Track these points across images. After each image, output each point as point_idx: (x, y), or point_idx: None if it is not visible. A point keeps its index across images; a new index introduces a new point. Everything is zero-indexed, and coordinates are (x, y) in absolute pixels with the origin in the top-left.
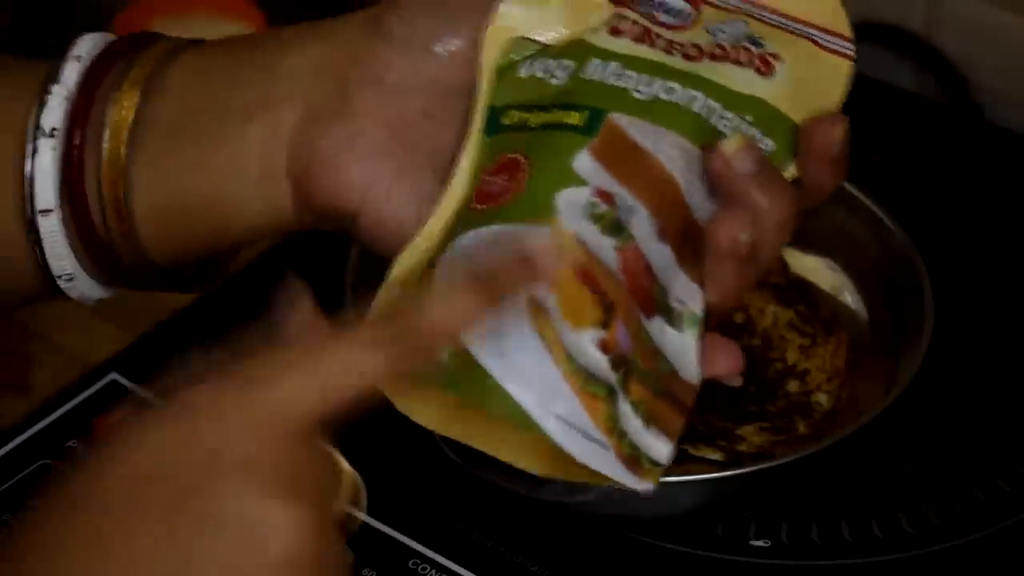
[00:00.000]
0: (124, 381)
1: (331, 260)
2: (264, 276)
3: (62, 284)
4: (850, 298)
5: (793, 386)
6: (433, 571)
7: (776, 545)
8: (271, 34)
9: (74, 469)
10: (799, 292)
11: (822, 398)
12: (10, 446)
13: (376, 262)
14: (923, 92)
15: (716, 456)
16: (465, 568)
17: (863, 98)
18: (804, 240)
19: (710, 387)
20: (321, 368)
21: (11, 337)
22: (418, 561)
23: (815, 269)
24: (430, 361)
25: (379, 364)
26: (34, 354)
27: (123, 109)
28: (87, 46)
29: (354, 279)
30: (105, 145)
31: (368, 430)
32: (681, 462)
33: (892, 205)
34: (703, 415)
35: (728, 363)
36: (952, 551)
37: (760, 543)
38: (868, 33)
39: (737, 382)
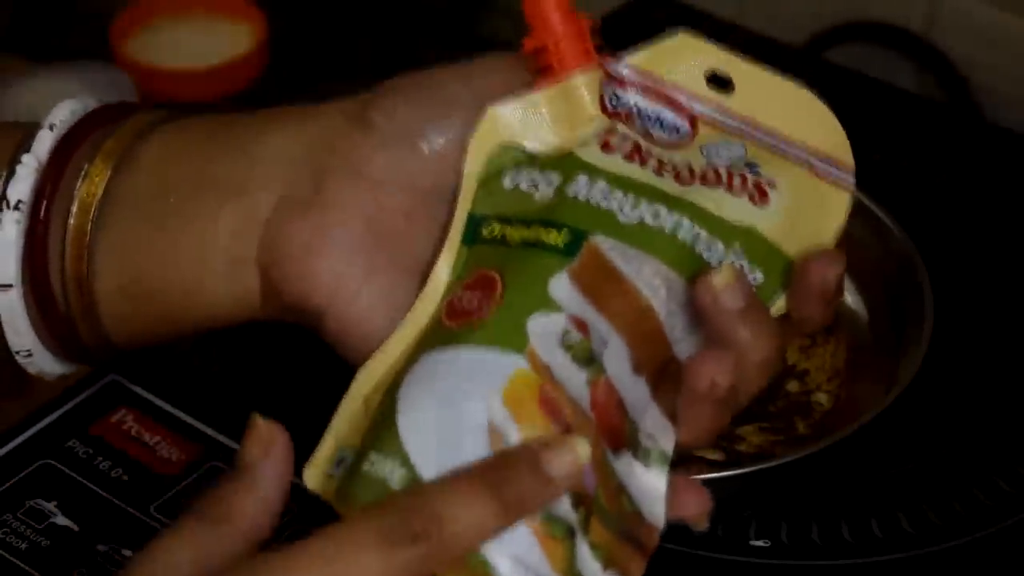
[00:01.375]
0: (124, 381)
1: None
2: None
3: (20, 360)
4: (850, 298)
5: (793, 386)
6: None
7: (776, 545)
8: (252, 116)
9: None
10: None
11: (822, 398)
12: (10, 446)
13: None
14: (923, 92)
15: (716, 456)
16: None
17: (863, 98)
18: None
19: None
20: (329, 574)
21: None
22: None
23: None
24: (441, 572)
25: (388, 569)
26: None
27: (93, 184)
28: (63, 114)
29: None
30: (71, 221)
31: None
32: (681, 462)
33: (892, 205)
34: None
35: (696, 506)
36: (952, 551)
37: (760, 543)
38: (868, 33)
39: (703, 527)
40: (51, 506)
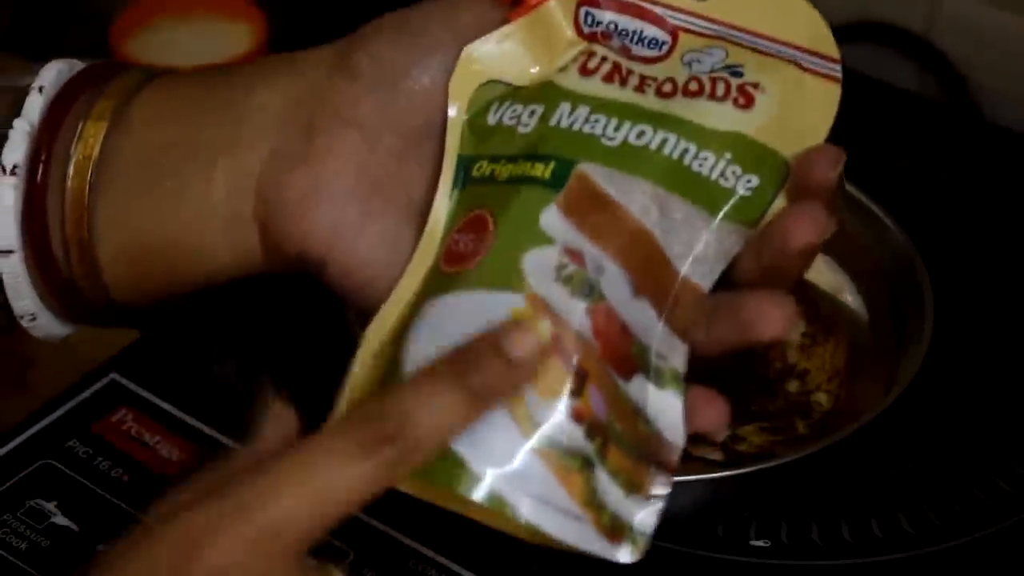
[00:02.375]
0: (124, 381)
1: None
2: (264, 278)
3: (24, 324)
4: (850, 298)
5: (793, 386)
6: (433, 571)
7: (776, 545)
8: (240, 70)
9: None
10: (799, 292)
11: (822, 398)
12: (10, 446)
13: None
14: (923, 92)
15: (716, 456)
16: (465, 568)
17: (863, 98)
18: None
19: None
20: (311, 485)
21: (10, 337)
22: (418, 561)
23: (815, 269)
24: (418, 466)
25: (368, 475)
26: (33, 354)
27: (88, 145)
28: (51, 76)
29: None
30: (69, 183)
31: None
32: (681, 462)
33: (892, 205)
34: None
35: (714, 417)
36: (952, 551)
37: (760, 543)
38: (868, 33)
39: (722, 435)
40: (51, 506)
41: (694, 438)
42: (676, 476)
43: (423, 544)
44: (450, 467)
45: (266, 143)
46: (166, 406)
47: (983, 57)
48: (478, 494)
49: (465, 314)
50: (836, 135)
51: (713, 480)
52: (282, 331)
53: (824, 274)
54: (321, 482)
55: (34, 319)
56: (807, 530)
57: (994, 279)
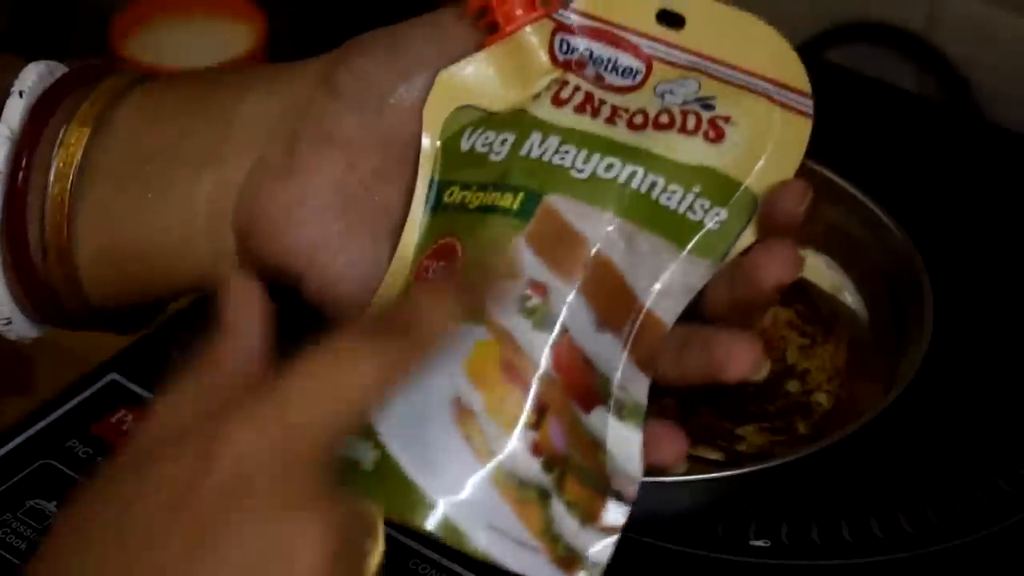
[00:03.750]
0: (124, 381)
1: None
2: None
3: None
4: (850, 298)
5: (793, 386)
6: (433, 571)
7: (776, 545)
8: (226, 78)
9: (85, 502)
10: (798, 292)
11: (822, 398)
12: (10, 446)
13: None
14: (923, 92)
15: (716, 456)
16: (465, 568)
17: (863, 98)
18: (804, 240)
19: (709, 388)
20: (330, 378)
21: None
22: (418, 561)
23: (815, 268)
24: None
25: (378, 370)
26: (34, 354)
27: (70, 150)
28: (31, 79)
29: None
30: (50, 189)
31: None
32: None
33: (892, 205)
34: (703, 415)
35: (672, 451)
36: (952, 551)
37: (760, 543)
38: (868, 33)
39: (680, 469)
40: (51, 506)
41: (694, 437)
42: (676, 477)
43: (423, 544)
44: (407, 495)
45: (251, 154)
46: None
47: (983, 57)
48: (432, 523)
49: None
50: (837, 135)
51: (713, 480)
52: (282, 331)
53: (824, 274)
54: (335, 381)
55: (8, 323)
56: (807, 530)
57: (994, 279)
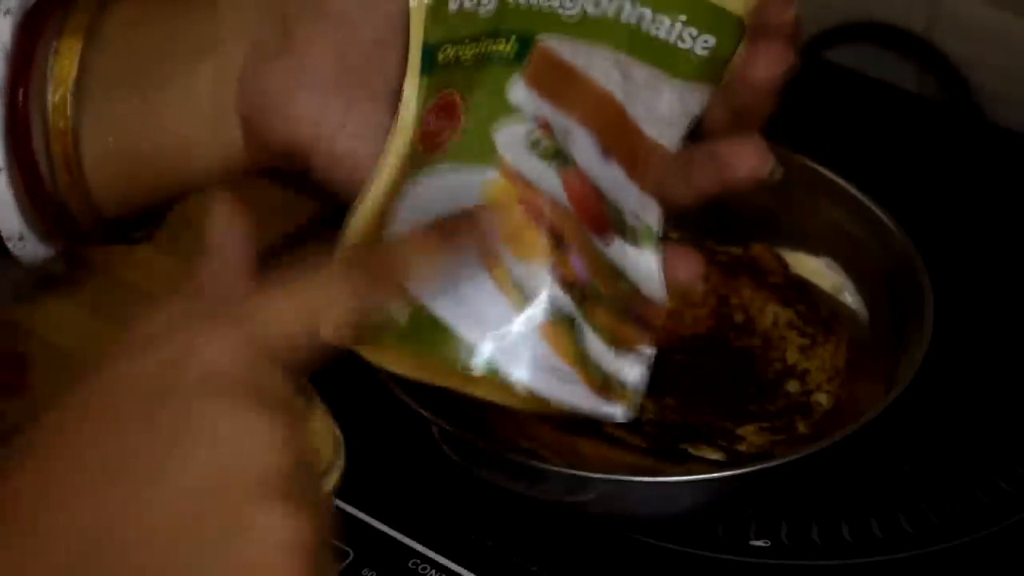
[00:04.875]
0: None
1: None
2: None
3: (12, 246)
4: (850, 298)
5: (793, 386)
6: (433, 571)
7: (776, 545)
8: None
9: (67, 397)
10: (799, 292)
11: (822, 398)
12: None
13: None
14: (923, 92)
15: (716, 456)
16: (465, 568)
17: (863, 98)
18: (804, 240)
19: (709, 388)
20: (297, 297)
21: (8, 338)
22: (418, 561)
23: (815, 269)
24: (396, 297)
25: (349, 293)
26: (32, 355)
27: (66, 60)
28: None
29: None
30: (50, 99)
31: (367, 429)
32: (681, 462)
33: (892, 205)
34: (703, 415)
35: (688, 270)
36: (952, 551)
37: (760, 543)
38: (868, 33)
39: (699, 287)
40: None
41: (694, 436)
42: (676, 476)
43: (423, 544)
44: (445, 341)
45: (245, 39)
46: None
47: (983, 57)
48: (474, 364)
49: (442, 191)
50: (837, 135)
51: (713, 480)
52: None
53: (824, 274)
54: (305, 295)
55: (22, 239)
56: (807, 530)
57: (994, 279)
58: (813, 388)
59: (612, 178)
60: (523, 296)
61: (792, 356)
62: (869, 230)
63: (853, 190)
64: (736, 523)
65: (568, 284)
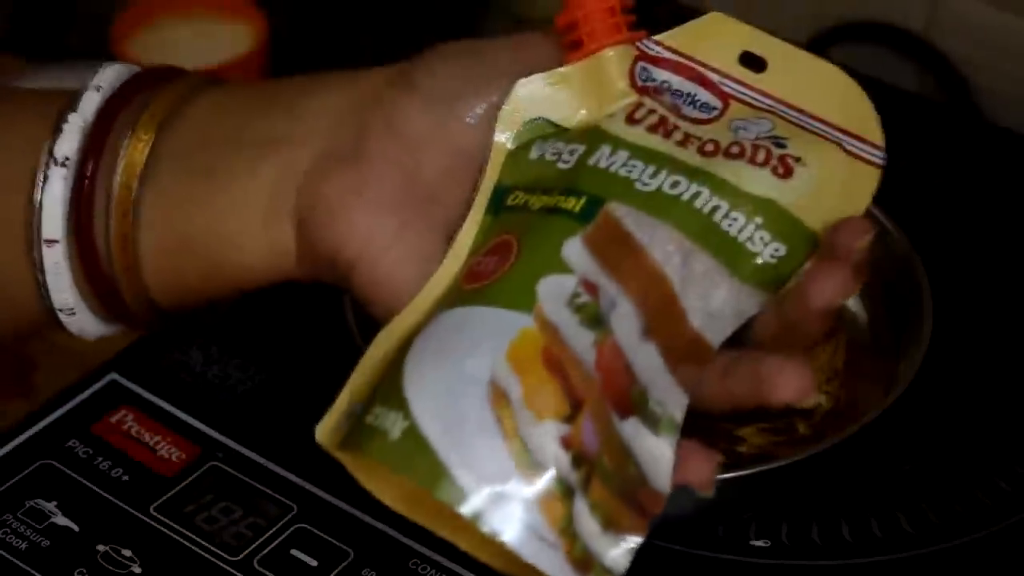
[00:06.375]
0: (124, 381)
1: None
2: None
3: (62, 317)
4: (850, 299)
5: None
6: (433, 571)
7: (776, 545)
8: (296, 78)
9: None
10: None
11: (822, 399)
12: (10, 446)
13: None
14: (923, 92)
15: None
16: (465, 568)
17: None
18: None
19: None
20: None
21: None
22: (418, 561)
23: None
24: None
25: None
26: (34, 355)
27: (139, 143)
28: (109, 77)
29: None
30: (117, 178)
31: None
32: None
33: (891, 205)
34: (703, 416)
35: (703, 471)
36: (952, 551)
37: (760, 543)
38: (868, 33)
39: (709, 492)
40: (51, 506)
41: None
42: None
43: (423, 544)
44: (434, 473)
45: (317, 143)
46: (166, 406)
47: (983, 57)
48: (463, 510)
49: (472, 326)
50: None
51: (714, 482)
52: (282, 331)
53: None
54: None
55: (72, 312)
56: (807, 530)
57: (994, 279)
58: None
59: (647, 359)
60: (529, 461)
61: None
62: None
63: None
64: (736, 523)
65: (572, 449)
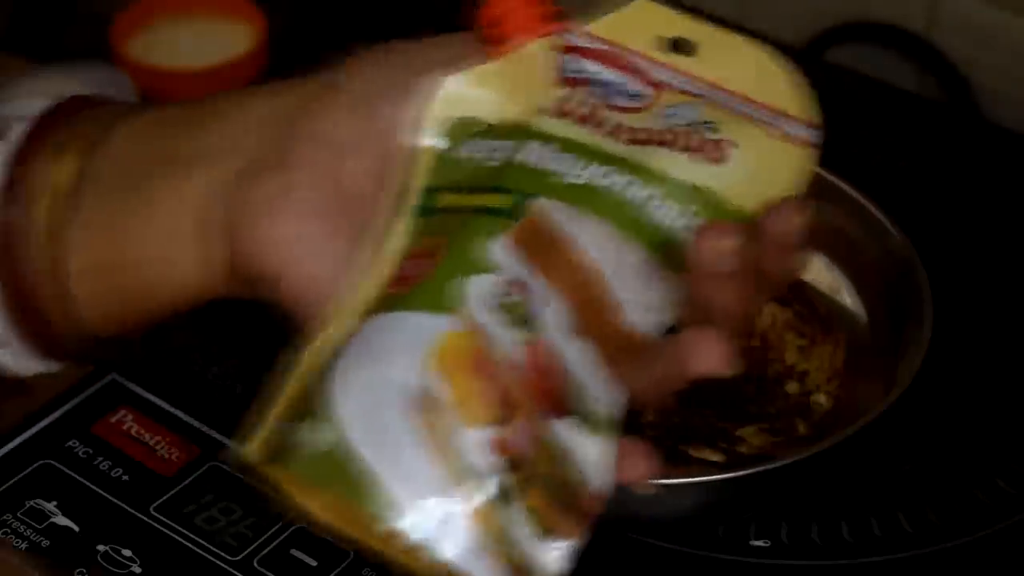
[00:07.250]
0: (124, 381)
1: None
2: None
3: None
4: (848, 298)
5: (792, 387)
6: None
7: (776, 545)
8: (225, 94)
9: None
10: (797, 292)
11: (821, 399)
12: (10, 446)
13: None
14: (923, 92)
15: (716, 458)
16: None
17: (863, 98)
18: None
19: (709, 388)
20: None
21: None
22: None
23: (814, 269)
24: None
25: None
26: None
27: (64, 169)
28: (37, 106)
29: None
30: (45, 203)
31: None
32: (682, 463)
33: (891, 205)
34: (703, 416)
35: (641, 469)
36: (952, 551)
37: (760, 543)
38: (868, 33)
39: (648, 491)
40: (51, 506)
41: (694, 438)
42: (677, 478)
43: None
44: (362, 486)
45: (244, 154)
46: (166, 406)
47: (983, 57)
48: (400, 525)
49: (398, 332)
50: (836, 135)
51: (714, 483)
52: (282, 332)
53: (823, 274)
54: None
55: (3, 346)
56: (807, 530)
57: (994, 279)
58: (812, 389)
59: (580, 357)
60: (461, 470)
61: (791, 357)
62: (868, 230)
63: (852, 190)
64: (736, 523)
65: (510, 461)
